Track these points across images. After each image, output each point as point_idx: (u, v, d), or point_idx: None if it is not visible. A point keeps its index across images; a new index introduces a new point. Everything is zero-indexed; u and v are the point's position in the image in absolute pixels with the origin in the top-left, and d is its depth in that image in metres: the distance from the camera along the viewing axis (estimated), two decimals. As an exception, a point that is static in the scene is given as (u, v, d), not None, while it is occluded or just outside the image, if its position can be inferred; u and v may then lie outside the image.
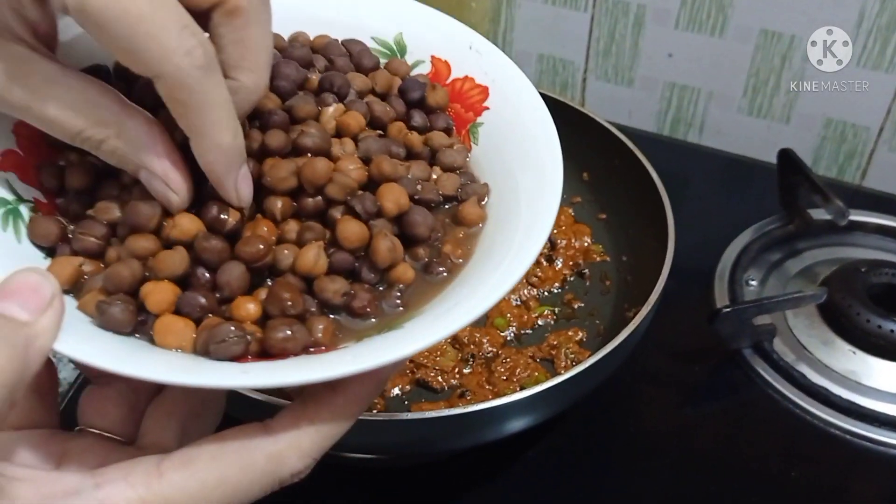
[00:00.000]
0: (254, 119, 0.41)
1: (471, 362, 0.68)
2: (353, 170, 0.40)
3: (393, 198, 0.40)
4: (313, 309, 0.38)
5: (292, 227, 0.39)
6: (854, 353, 0.75)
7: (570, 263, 0.76)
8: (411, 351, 0.35)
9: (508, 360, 0.67)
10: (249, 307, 0.37)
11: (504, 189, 0.44)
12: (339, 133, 0.42)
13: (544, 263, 0.76)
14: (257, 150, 0.40)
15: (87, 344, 0.35)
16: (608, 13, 0.97)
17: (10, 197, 0.40)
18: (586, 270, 0.76)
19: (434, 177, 0.44)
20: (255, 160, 0.40)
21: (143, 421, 0.38)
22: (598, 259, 0.77)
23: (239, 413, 0.43)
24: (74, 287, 0.38)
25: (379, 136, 0.43)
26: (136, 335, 0.37)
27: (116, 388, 0.39)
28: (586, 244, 0.77)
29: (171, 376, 0.34)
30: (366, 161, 0.41)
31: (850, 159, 0.97)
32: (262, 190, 0.40)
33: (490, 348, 0.68)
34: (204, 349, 0.36)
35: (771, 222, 0.86)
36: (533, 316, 0.72)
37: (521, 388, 0.63)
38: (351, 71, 0.46)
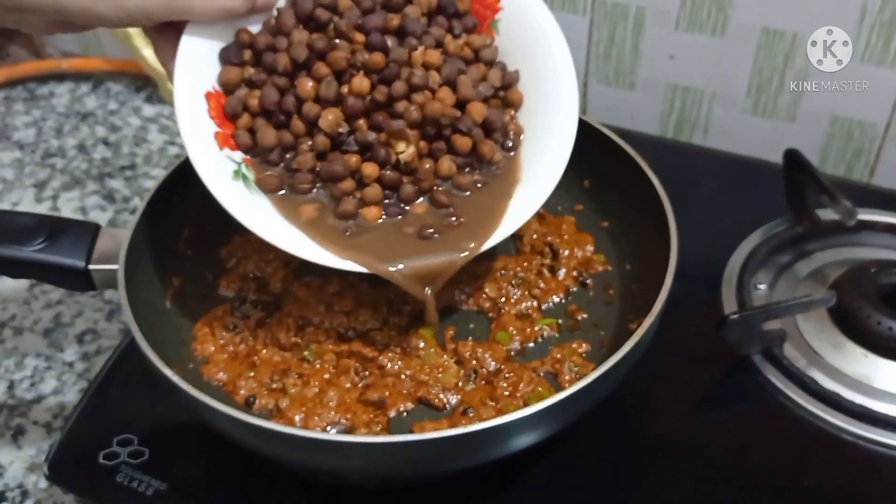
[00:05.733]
0: (370, 72, 0.60)
1: (473, 378, 0.67)
2: (448, 101, 0.62)
3: (478, 112, 0.63)
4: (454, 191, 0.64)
5: (423, 146, 0.62)
6: (866, 356, 0.74)
7: (573, 274, 0.75)
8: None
9: (511, 374, 0.66)
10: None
11: (526, 72, 0.66)
12: (426, 66, 0.62)
13: (546, 274, 0.75)
14: (383, 100, 0.61)
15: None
16: (607, 16, 0.96)
17: (234, 164, 0.61)
18: (589, 280, 0.75)
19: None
20: (384, 104, 0.61)
21: None
22: (601, 269, 0.76)
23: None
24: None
25: (444, 55, 0.63)
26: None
27: None
28: (589, 253, 0.76)
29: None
30: (448, 83, 0.62)
31: (858, 157, 0.96)
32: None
33: (493, 363, 0.67)
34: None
35: (779, 224, 0.84)
36: (536, 329, 0.71)
37: (525, 404, 0.63)
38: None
